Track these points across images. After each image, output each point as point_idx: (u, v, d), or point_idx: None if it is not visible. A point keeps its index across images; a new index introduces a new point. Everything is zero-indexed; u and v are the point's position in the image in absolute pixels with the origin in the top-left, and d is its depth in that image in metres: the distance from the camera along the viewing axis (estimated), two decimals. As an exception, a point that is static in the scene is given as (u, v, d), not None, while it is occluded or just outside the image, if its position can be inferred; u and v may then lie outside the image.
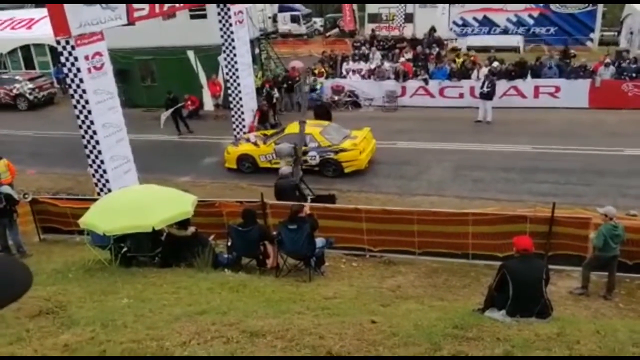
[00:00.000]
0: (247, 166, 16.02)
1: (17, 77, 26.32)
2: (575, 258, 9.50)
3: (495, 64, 21.06)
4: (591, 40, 29.55)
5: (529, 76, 20.48)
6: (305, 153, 14.88)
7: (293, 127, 16.27)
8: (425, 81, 21.45)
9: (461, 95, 20.96)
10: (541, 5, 29.89)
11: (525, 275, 6.26)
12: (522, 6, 30.19)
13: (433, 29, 28.64)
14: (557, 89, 20.09)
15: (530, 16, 30.37)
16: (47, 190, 15.15)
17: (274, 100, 20.90)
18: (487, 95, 19.14)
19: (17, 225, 11.59)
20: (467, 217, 10.14)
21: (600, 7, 29.41)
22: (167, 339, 4.61)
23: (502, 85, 20.18)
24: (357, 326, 5.13)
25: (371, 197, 13.80)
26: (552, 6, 29.67)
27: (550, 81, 20.26)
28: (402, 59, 23.50)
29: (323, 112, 18.55)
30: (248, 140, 16.76)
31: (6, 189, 11.22)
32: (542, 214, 9.89)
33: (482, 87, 19.31)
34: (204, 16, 20.61)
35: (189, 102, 21.21)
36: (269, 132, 17.61)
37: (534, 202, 12.14)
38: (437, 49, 25.10)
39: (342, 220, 10.73)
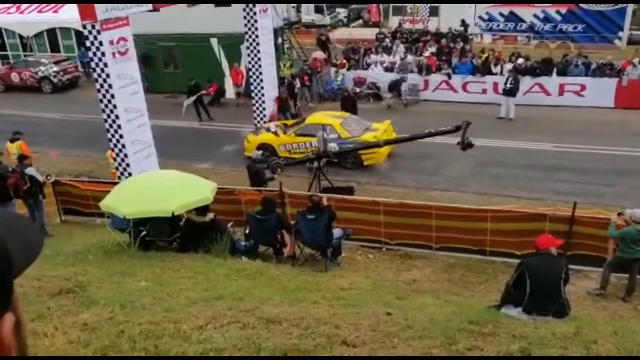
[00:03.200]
0: (266, 155, 16.05)
1: (42, 60, 26.61)
2: (595, 259, 9.40)
3: (520, 60, 20.80)
4: (619, 38, 29.00)
5: (554, 74, 20.19)
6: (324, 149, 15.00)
7: (313, 118, 16.31)
8: (449, 75, 21.28)
9: (484, 91, 20.73)
10: (570, 2, 29.39)
11: (544, 273, 6.23)
12: (549, 2, 29.72)
13: (464, 23, 28.39)
14: (583, 87, 19.78)
15: (558, 12, 29.87)
16: (68, 172, 15.35)
17: (295, 90, 20.88)
18: (510, 92, 18.93)
19: (42, 206, 11.76)
20: (485, 213, 10.10)
21: (631, 5, 28.82)
22: (184, 322, 4.67)
23: (526, 82, 19.92)
24: (373, 317, 5.14)
25: (390, 190, 13.76)
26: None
27: (576, 79, 19.96)
28: (426, 53, 23.31)
29: (349, 103, 18.46)
30: (268, 129, 16.79)
31: (30, 171, 11.38)
32: (562, 213, 9.80)
33: (505, 84, 19.11)
34: (228, 4, 20.64)
35: (211, 89, 21.28)
36: (290, 122, 17.61)
37: (554, 200, 12.02)
38: (461, 44, 24.84)
39: (360, 212, 10.74)
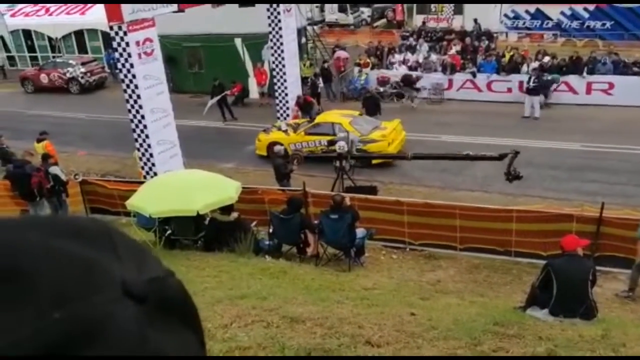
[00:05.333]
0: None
1: (70, 61, 27.06)
2: (623, 260, 9.23)
3: (547, 58, 20.52)
4: (650, 35, 28.43)
5: (584, 72, 19.81)
6: (334, 143, 15.02)
7: (323, 117, 16.64)
8: (473, 74, 21.08)
9: (509, 90, 20.48)
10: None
11: (570, 274, 6.14)
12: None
13: (476, 22, 28.12)
14: (611, 85, 19.44)
15: (586, 9, 29.37)
16: (95, 172, 15.59)
17: (318, 90, 20.90)
18: (534, 91, 18.69)
19: (66, 205, 11.99)
20: (511, 213, 9.99)
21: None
22: (209, 321, 4.71)
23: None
24: (396, 317, 5.12)
25: (413, 190, 13.69)
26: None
27: (604, 77, 19.61)
28: (451, 52, 23.13)
29: (372, 104, 18.41)
30: (279, 128, 16.92)
31: (54, 170, 11.60)
32: (590, 214, 9.65)
33: (528, 82, 18.88)
34: (253, 4, 20.74)
35: (235, 89, 21.41)
36: (300, 121, 17.71)
37: (581, 201, 11.82)
38: (486, 42, 24.61)
39: (384, 212, 10.72)
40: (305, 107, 19.10)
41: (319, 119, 16.53)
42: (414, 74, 21.55)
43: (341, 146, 14.65)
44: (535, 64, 20.28)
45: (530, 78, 18.87)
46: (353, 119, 16.01)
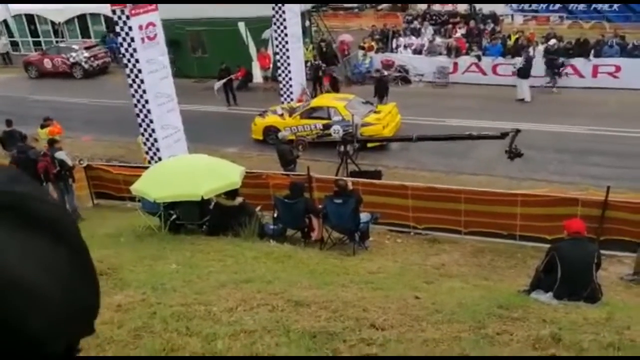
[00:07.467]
0: (272, 137, 16.01)
1: (73, 46, 27.00)
2: (629, 244, 9.22)
3: (552, 41, 20.34)
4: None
5: (591, 55, 19.64)
6: (329, 127, 15.33)
7: (318, 101, 16.80)
8: (478, 58, 20.92)
9: (514, 73, 20.33)
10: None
11: (575, 258, 6.14)
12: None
13: (472, 7, 27.81)
14: (618, 68, 19.28)
15: (593, -10, 29.03)
16: (100, 157, 15.60)
17: (320, 73, 20.77)
18: (521, 73, 18.59)
19: (73, 189, 12.02)
20: (515, 197, 9.98)
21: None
22: (215, 304, 4.74)
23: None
24: (401, 301, 5.14)
25: (417, 174, 13.68)
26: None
27: (611, 60, 19.44)
28: (456, 35, 22.95)
29: (382, 87, 18.30)
30: (275, 112, 16.91)
31: (60, 155, 11.61)
32: (595, 197, 9.62)
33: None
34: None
35: (239, 73, 21.33)
36: (295, 104, 17.68)
37: (586, 184, 11.80)
38: (491, 25, 24.39)
39: (388, 197, 10.71)
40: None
41: (313, 102, 16.58)
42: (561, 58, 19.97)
43: (336, 130, 14.74)
44: (541, 48, 20.14)
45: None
46: (348, 102, 16.04)
